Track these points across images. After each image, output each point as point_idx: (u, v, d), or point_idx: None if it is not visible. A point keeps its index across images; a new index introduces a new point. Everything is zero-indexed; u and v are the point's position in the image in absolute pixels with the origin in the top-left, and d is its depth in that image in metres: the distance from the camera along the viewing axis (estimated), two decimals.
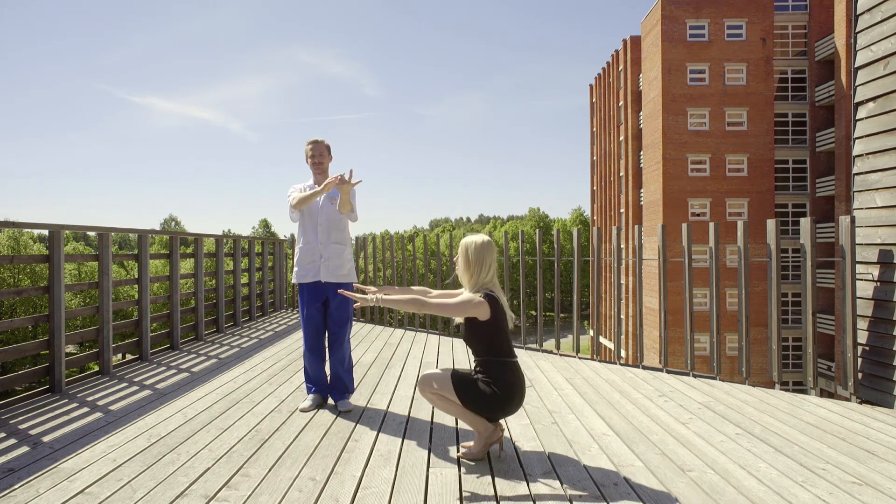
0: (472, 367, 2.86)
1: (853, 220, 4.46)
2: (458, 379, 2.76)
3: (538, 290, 7.08)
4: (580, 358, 5.90)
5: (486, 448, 2.85)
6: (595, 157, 45.36)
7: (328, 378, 3.96)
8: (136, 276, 5.76)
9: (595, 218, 45.43)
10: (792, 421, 3.64)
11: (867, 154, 4.58)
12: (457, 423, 3.49)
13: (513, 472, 2.70)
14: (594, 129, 45.60)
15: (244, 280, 9.24)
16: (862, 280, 4.51)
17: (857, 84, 4.70)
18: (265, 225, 67.32)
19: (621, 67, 37.05)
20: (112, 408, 3.86)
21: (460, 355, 6.07)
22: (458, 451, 2.98)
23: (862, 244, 4.54)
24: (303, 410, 3.77)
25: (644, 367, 5.36)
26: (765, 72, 28.09)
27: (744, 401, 4.16)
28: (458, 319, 2.85)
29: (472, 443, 2.92)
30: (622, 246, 34.01)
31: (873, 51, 4.51)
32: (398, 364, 5.47)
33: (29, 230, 34.02)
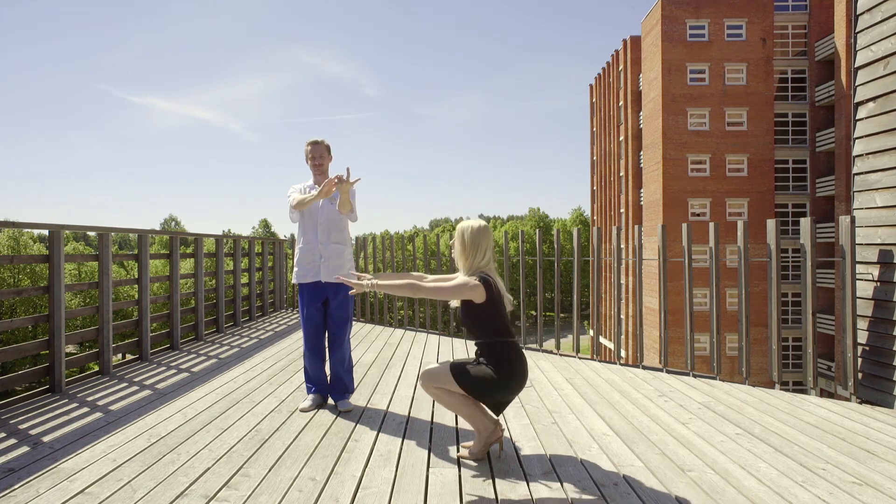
0: (474, 353, 2.87)
1: (853, 220, 4.46)
2: (457, 367, 2.77)
3: (538, 290, 7.08)
4: (580, 358, 5.90)
5: (486, 448, 2.85)
6: (595, 157, 45.37)
7: (328, 378, 3.96)
8: (136, 276, 5.76)
9: (595, 218, 45.44)
10: (792, 421, 3.64)
11: (867, 154, 4.58)
12: (457, 423, 3.49)
13: (513, 472, 2.70)
14: (594, 129, 45.61)
15: (244, 280, 9.24)
16: (862, 280, 4.51)
17: (857, 84, 4.70)
18: (265, 225, 67.33)
19: (621, 67, 37.05)
20: (112, 408, 3.86)
21: (460, 355, 6.07)
22: (458, 451, 2.98)
23: (862, 244, 4.54)
24: (303, 410, 3.77)
25: (644, 367, 5.36)
26: (765, 72, 28.10)
27: (744, 401, 4.16)
28: (455, 303, 2.86)
29: (472, 443, 2.92)
30: (622, 246, 34.01)
31: (873, 51, 4.51)
32: (398, 364, 5.47)
33: (29, 230, 34.03)
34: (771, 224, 4.73)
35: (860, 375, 4.40)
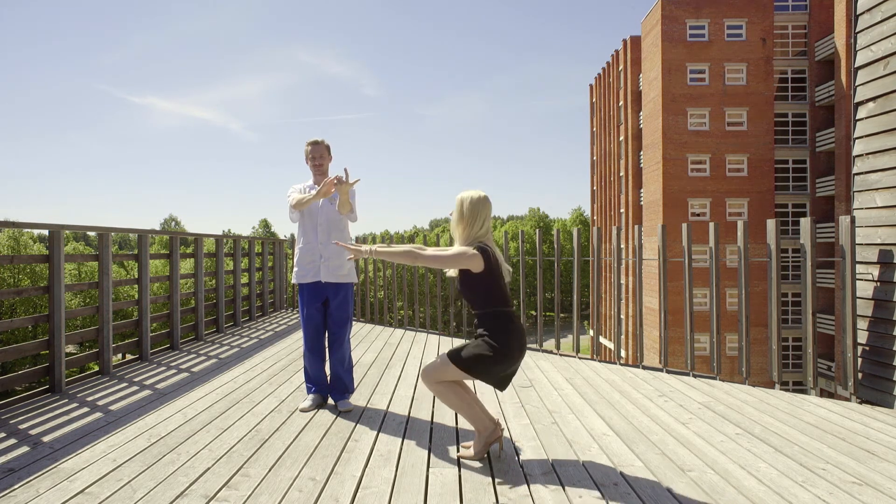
0: (473, 325, 2.86)
1: (853, 220, 4.46)
2: (453, 352, 2.77)
3: (538, 290, 7.08)
4: (580, 358, 5.90)
5: (486, 448, 2.85)
6: (595, 157, 45.37)
7: (328, 378, 3.96)
8: (136, 276, 5.76)
9: (595, 218, 45.43)
10: (792, 421, 3.64)
11: (867, 154, 4.58)
12: (457, 423, 3.49)
13: (513, 472, 2.70)
14: (594, 129, 45.60)
15: (244, 280, 9.24)
16: (862, 280, 4.51)
17: (857, 84, 4.70)
18: (265, 225, 67.33)
19: (621, 67, 37.05)
20: (112, 408, 3.86)
21: None
22: (458, 451, 2.98)
23: (862, 244, 4.54)
24: (303, 410, 3.77)
25: (644, 367, 5.36)
26: (765, 72, 28.10)
27: (744, 401, 4.16)
28: (452, 273, 2.86)
29: (472, 443, 2.92)
30: (622, 246, 34.01)
31: (873, 51, 4.51)
32: (398, 364, 5.47)
33: (29, 230, 34.02)
34: (771, 224, 4.73)
35: (860, 375, 4.40)
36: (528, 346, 6.58)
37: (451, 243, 3.27)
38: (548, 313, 52.29)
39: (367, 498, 2.42)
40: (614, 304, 5.87)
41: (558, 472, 2.70)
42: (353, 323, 8.53)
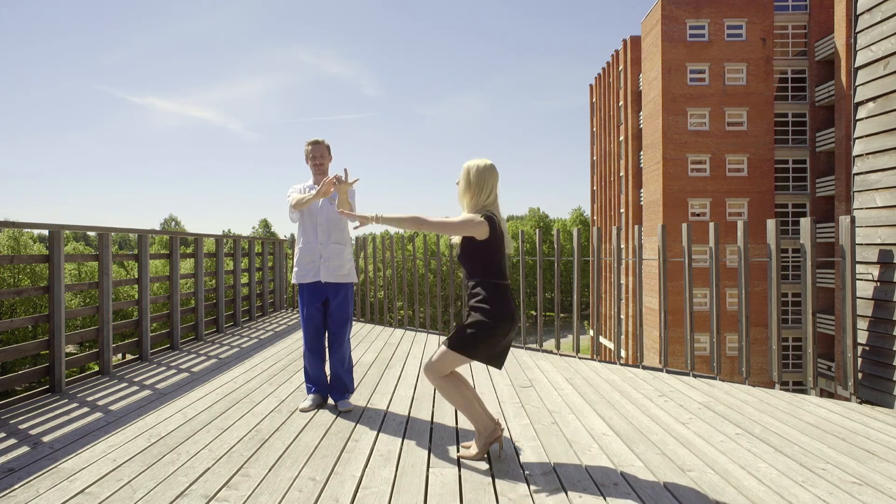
0: (466, 296, 2.87)
1: (853, 220, 4.46)
2: (448, 339, 2.78)
3: (538, 290, 7.08)
4: (580, 358, 5.90)
5: (486, 448, 2.85)
6: (595, 157, 45.37)
7: (328, 378, 3.96)
8: (136, 276, 5.76)
9: (595, 218, 45.44)
10: (792, 421, 3.64)
11: (867, 154, 4.58)
12: (457, 423, 3.50)
13: (513, 472, 2.70)
14: (594, 129, 45.61)
15: (244, 280, 9.24)
16: (862, 280, 4.51)
17: (857, 84, 4.70)
18: (265, 225, 67.34)
19: (621, 67, 37.05)
20: (112, 408, 3.86)
21: None
22: (458, 451, 2.98)
23: (862, 244, 4.54)
24: (303, 410, 3.77)
25: (644, 367, 5.36)
26: (765, 72, 28.10)
27: (744, 401, 4.16)
28: (455, 240, 2.86)
29: (472, 443, 2.93)
30: (622, 246, 34.01)
31: (873, 51, 4.51)
32: (398, 364, 5.47)
33: (29, 230, 34.02)
34: (771, 224, 4.73)
35: (860, 375, 4.40)
36: (529, 346, 6.59)
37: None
38: (548, 313, 52.30)
39: (367, 498, 2.42)
40: (614, 304, 5.87)
41: (558, 473, 2.70)
42: (353, 323, 8.53)
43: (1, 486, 2.55)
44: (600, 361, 5.74)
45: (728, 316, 23.70)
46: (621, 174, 36.99)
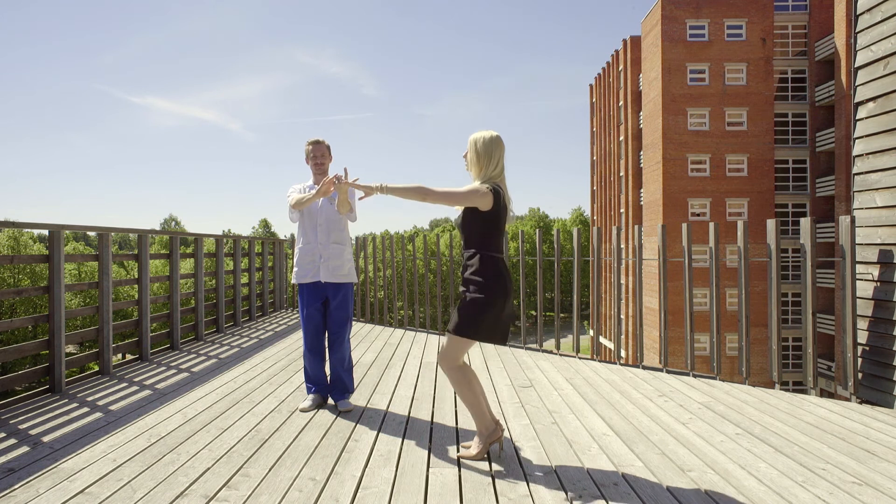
0: (461, 270, 2.88)
1: (853, 220, 4.46)
2: (452, 326, 2.78)
3: (538, 290, 7.07)
4: (580, 358, 5.90)
5: (487, 448, 2.86)
6: (595, 157, 45.37)
7: (328, 378, 3.96)
8: (136, 276, 5.76)
9: (595, 218, 45.43)
10: (792, 421, 3.64)
11: (867, 154, 4.58)
12: (457, 423, 3.50)
13: (513, 472, 2.70)
14: (594, 129, 45.61)
15: (244, 280, 9.25)
16: (862, 280, 4.51)
17: (857, 84, 4.70)
18: (265, 225, 67.32)
19: (621, 67, 37.05)
20: (112, 408, 3.86)
21: None
22: (458, 451, 2.98)
23: (862, 244, 4.54)
24: (303, 410, 3.77)
25: (644, 367, 5.36)
26: (765, 72, 28.09)
27: (744, 401, 4.16)
28: (458, 209, 2.86)
29: (472, 443, 2.93)
30: (622, 246, 34.01)
31: (873, 51, 4.51)
32: (398, 364, 5.47)
33: (29, 230, 34.02)
34: (771, 224, 4.73)
35: (860, 375, 4.40)
36: (529, 346, 6.59)
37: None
38: (548, 313, 52.30)
39: (367, 498, 2.42)
40: (614, 304, 5.87)
41: (558, 473, 2.70)
42: (353, 323, 8.54)
43: (1, 486, 2.55)
44: (600, 361, 5.74)
45: (728, 316, 23.71)
46: (621, 174, 36.99)
